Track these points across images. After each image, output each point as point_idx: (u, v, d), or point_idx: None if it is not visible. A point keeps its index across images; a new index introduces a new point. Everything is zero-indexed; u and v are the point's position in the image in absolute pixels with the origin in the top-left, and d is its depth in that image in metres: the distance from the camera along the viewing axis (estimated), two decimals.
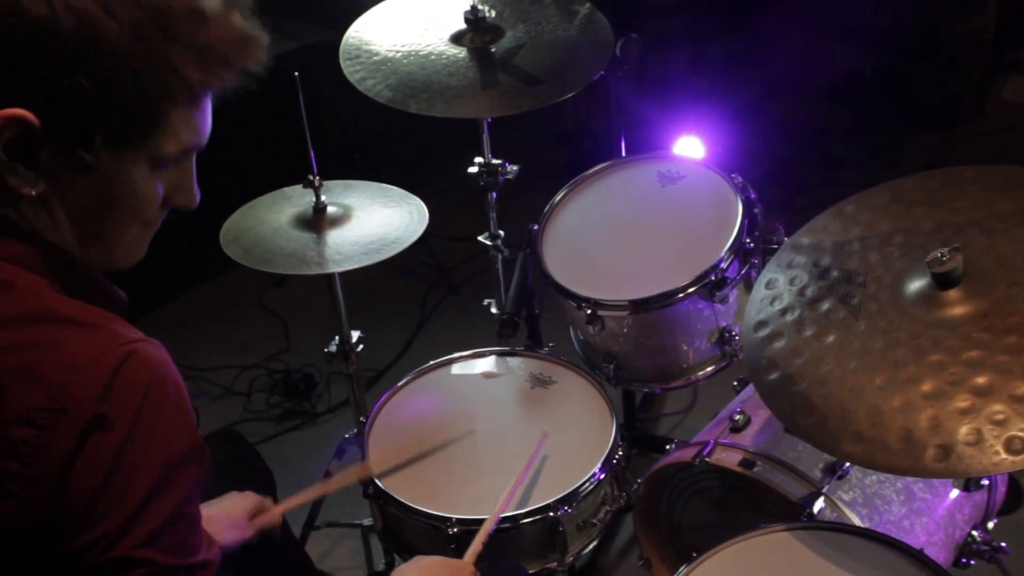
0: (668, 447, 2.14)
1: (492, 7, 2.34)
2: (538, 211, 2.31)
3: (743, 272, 2.12)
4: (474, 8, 2.29)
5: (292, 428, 3.12)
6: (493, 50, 2.29)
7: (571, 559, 1.93)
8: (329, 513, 2.52)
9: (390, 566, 2.26)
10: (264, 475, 1.94)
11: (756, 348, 1.67)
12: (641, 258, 2.19)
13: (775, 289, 1.73)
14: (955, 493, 1.91)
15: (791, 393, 1.56)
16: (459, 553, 1.81)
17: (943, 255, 1.49)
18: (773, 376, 1.61)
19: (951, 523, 1.90)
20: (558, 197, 2.33)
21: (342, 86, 2.27)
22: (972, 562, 1.94)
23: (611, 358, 2.20)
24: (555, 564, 1.91)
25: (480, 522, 1.75)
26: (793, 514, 1.77)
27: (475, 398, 2.13)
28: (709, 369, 2.22)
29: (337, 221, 2.16)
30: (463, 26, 2.31)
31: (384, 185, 2.30)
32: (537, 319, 2.49)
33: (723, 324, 2.16)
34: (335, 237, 2.12)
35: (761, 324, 1.69)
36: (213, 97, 1.13)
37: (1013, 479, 2.44)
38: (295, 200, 2.23)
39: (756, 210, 2.16)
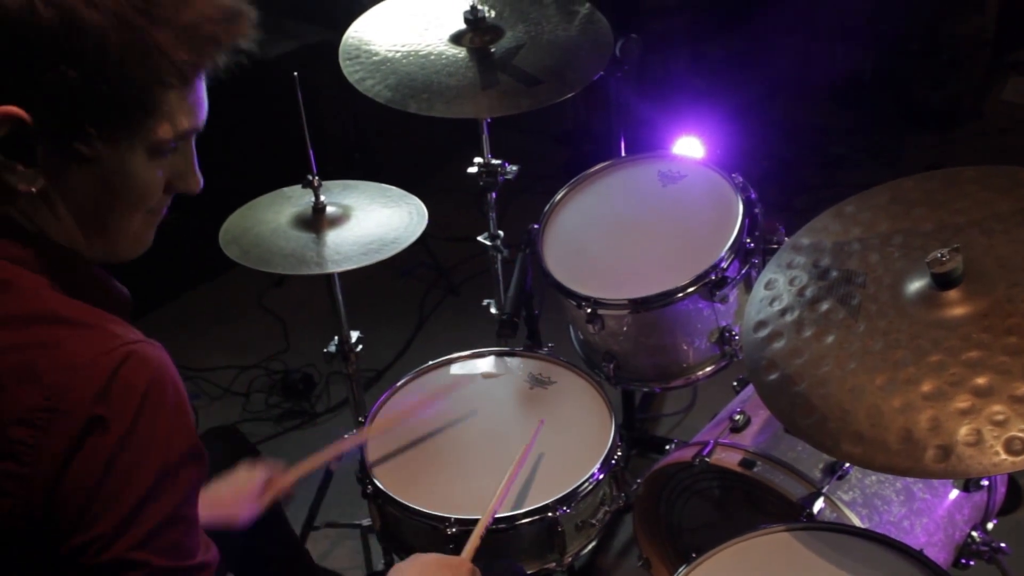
0: (668, 447, 2.14)
1: (492, 7, 2.34)
2: (538, 211, 2.31)
3: (743, 272, 2.12)
4: (474, 8, 2.29)
5: (291, 428, 3.12)
6: (493, 50, 2.29)
7: (570, 559, 1.93)
8: (328, 513, 2.52)
9: (389, 566, 2.25)
10: None
11: (756, 348, 1.67)
12: (641, 257, 2.19)
13: (775, 289, 1.73)
14: (955, 494, 1.91)
15: (791, 393, 1.56)
16: (457, 552, 1.81)
17: (943, 255, 1.49)
18: (773, 376, 1.60)
19: (951, 524, 1.90)
20: (558, 197, 2.33)
21: (342, 86, 2.27)
22: (972, 563, 1.94)
23: (611, 357, 2.20)
24: (554, 564, 1.91)
25: (478, 522, 1.75)
26: (793, 514, 1.77)
27: (474, 398, 2.12)
28: (709, 369, 2.22)
29: (336, 221, 2.16)
30: (463, 26, 2.31)
31: (383, 185, 2.30)
32: (536, 319, 2.49)
33: (723, 324, 2.16)
34: (334, 237, 2.12)
35: (761, 324, 1.69)
36: (207, 77, 1.11)
37: (1012, 480, 2.44)
38: (294, 200, 2.23)
39: (756, 210, 2.16)
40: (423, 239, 2.18)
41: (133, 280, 1.24)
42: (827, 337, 1.59)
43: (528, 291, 2.30)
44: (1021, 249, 1.54)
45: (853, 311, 1.60)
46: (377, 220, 2.17)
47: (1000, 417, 1.36)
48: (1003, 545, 1.92)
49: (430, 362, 2.23)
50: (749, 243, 2.11)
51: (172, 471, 1.05)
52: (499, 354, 2.23)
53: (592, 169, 2.38)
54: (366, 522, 2.42)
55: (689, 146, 3.02)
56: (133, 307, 1.21)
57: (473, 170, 2.47)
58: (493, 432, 2.03)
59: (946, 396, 1.41)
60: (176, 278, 3.73)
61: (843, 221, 1.77)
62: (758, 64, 4.40)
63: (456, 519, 1.82)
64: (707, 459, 1.89)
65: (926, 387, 1.44)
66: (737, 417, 1.95)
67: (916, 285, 1.56)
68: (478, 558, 1.64)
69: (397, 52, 2.29)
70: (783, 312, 1.68)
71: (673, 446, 2.12)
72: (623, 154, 2.56)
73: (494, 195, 2.50)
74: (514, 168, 2.48)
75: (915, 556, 1.57)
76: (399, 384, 2.18)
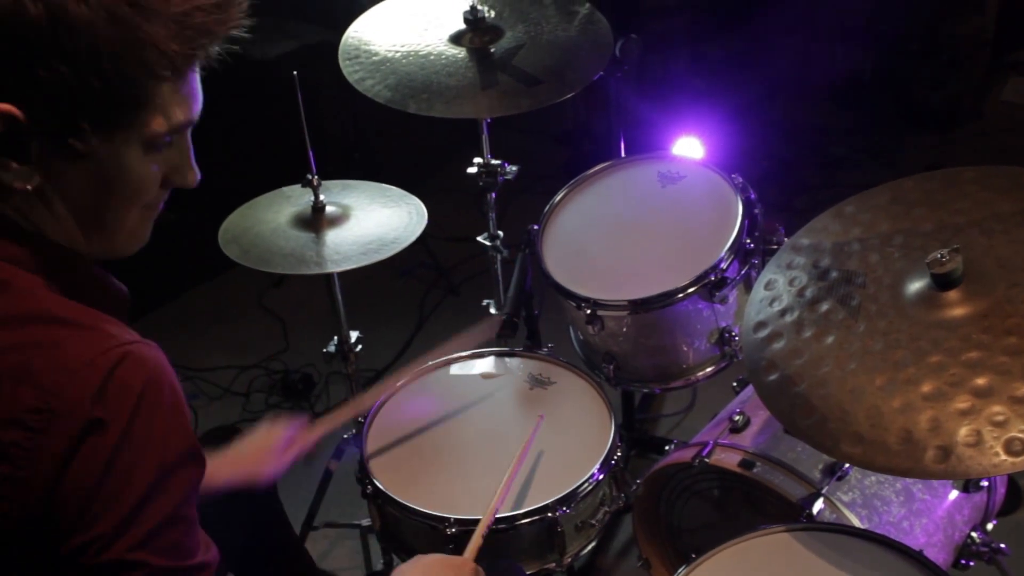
0: (667, 448, 2.14)
1: (491, 7, 2.34)
2: (538, 211, 2.31)
3: (743, 272, 2.12)
4: (473, 8, 2.29)
5: None
6: (492, 50, 2.29)
7: (570, 560, 1.92)
8: (327, 513, 2.52)
9: (388, 566, 2.26)
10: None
11: (756, 349, 1.67)
12: (641, 258, 2.19)
13: (775, 290, 1.73)
14: (954, 494, 1.91)
15: (790, 394, 1.56)
16: (458, 552, 1.81)
17: (943, 256, 1.49)
18: (772, 377, 1.60)
19: (950, 524, 1.89)
20: (558, 197, 2.33)
21: (341, 86, 2.27)
22: (971, 563, 1.94)
23: (611, 358, 2.20)
24: (553, 565, 1.91)
25: (477, 522, 1.75)
26: (792, 515, 1.77)
27: (474, 399, 2.12)
28: (709, 370, 2.22)
29: (336, 221, 2.16)
30: (462, 26, 2.31)
31: (383, 185, 2.30)
32: (536, 320, 2.49)
33: (723, 324, 2.16)
34: (334, 237, 2.12)
35: (761, 325, 1.69)
36: (201, 69, 1.10)
37: (1012, 480, 2.44)
38: (294, 200, 2.23)
39: (756, 210, 2.16)
40: (423, 239, 2.18)
41: (133, 279, 1.24)
42: (827, 338, 1.59)
43: (528, 291, 2.30)
44: (1021, 250, 1.54)
45: (853, 312, 1.60)
46: (377, 220, 2.17)
47: (1000, 418, 1.36)
48: (1003, 546, 1.91)
49: (430, 362, 2.23)
50: (749, 244, 2.11)
51: (170, 471, 1.04)
52: (499, 354, 2.23)
53: (592, 170, 2.38)
54: (365, 522, 2.42)
55: (689, 146, 3.02)
56: (132, 305, 1.21)
57: (473, 170, 2.47)
58: (493, 432, 2.03)
59: (946, 397, 1.41)
60: (176, 278, 3.73)
61: (843, 221, 1.77)
62: (758, 64, 4.40)
63: (456, 519, 1.82)
64: (707, 460, 1.88)
65: (926, 388, 1.43)
66: (737, 418, 1.95)
67: (916, 286, 1.56)
68: (479, 558, 1.64)
69: (397, 52, 2.29)
70: (783, 313, 1.68)
71: (673, 447, 2.12)
72: (623, 154, 2.56)
73: (494, 195, 2.50)
74: (514, 168, 2.47)
75: (915, 557, 1.57)
76: (399, 384, 2.17)
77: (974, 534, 1.92)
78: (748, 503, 1.94)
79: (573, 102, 4.14)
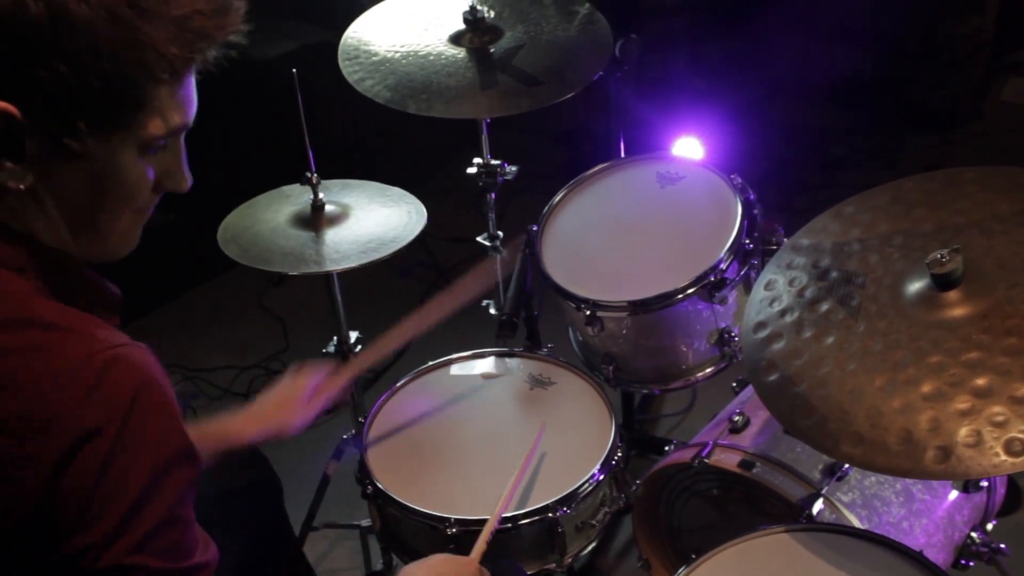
0: (667, 448, 2.14)
1: (491, 7, 2.34)
2: (537, 212, 2.31)
3: (742, 273, 2.11)
4: (473, 8, 2.29)
5: None
6: (492, 50, 2.29)
7: (570, 560, 1.92)
8: (327, 514, 2.51)
9: (388, 567, 2.26)
10: (272, 482, 1.94)
11: (755, 349, 1.66)
12: (640, 259, 2.18)
13: (774, 290, 1.73)
14: (954, 494, 1.91)
15: (790, 394, 1.56)
16: (458, 553, 1.81)
17: (943, 256, 1.49)
18: (772, 377, 1.60)
19: (950, 524, 1.89)
20: (557, 198, 2.33)
21: (341, 86, 2.26)
22: (971, 563, 1.94)
23: (610, 359, 2.20)
24: (554, 565, 1.91)
25: (478, 522, 1.75)
26: (792, 515, 1.77)
27: (474, 399, 2.12)
28: (708, 370, 2.22)
29: (335, 220, 2.16)
30: (462, 26, 2.31)
31: (382, 185, 2.30)
32: (536, 320, 2.48)
33: (722, 325, 2.16)
34: (333, 236, 2.12)
35: (760, 325, 1.69)
36: (196, 72, 1.10)
37: (1012, 480, 2.43)
38: (293, 199, 2.23)
39: (755, 211, 2.16)
40: (422, 239, 2.18)
41: (133, 280, 1.24)
42: (827, 338, 1.59)
43: (527, 291, 2.29)
44: (1021, 250, 1.54)
45: (853, 312, 1.60)
46: (376, 219, 2.17)
47: (1000, 418, 1.36)
48: (1003, 546, 1.91)
49: (430, 363, 2.22)
50: (748, 244, 2.11)
51: (164, 473, 1.04)
52: (499, 355, 2.23)
53: (591, 170, 2.37)
54: (365, 522, 2.42)
55: (688, 147, 3.01)
56: (130, 306, 1.20)
57: (472, 170, 2.47)
58: (493, 433, 2.03)
59: (946, 397, 1.41)
60: (175, 277, 3.73)
61: (843, 222, 1.77)
62: (758, 65, 4.40)
63: (456, 519, 1.82)
64: (706, 460, 1.88)
65: (926, 388, 1.43)
66: (736, 418, 1.95)
67: (916, 286, 1.56)
68: (482, 560, 1.64)
69: (396, 52, 2.29)
70: (783, 313, 1.68)
71: (672, 447, 2.12)
72: (622, 155, 2.56)
73: (493, 195, 2.50)
74: (513, 168, 2.47)
75: (914, 557, 1.57)
76: (398, 385, 2.17)
77: (974, 534, 1.92)
78: (748, 503, 1.94)
79: (573, 102, 4.12)
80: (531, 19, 2.35)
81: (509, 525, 1.82)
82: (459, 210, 3.13)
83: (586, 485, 1.88)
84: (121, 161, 1.08)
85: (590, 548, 1.97)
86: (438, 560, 1.55)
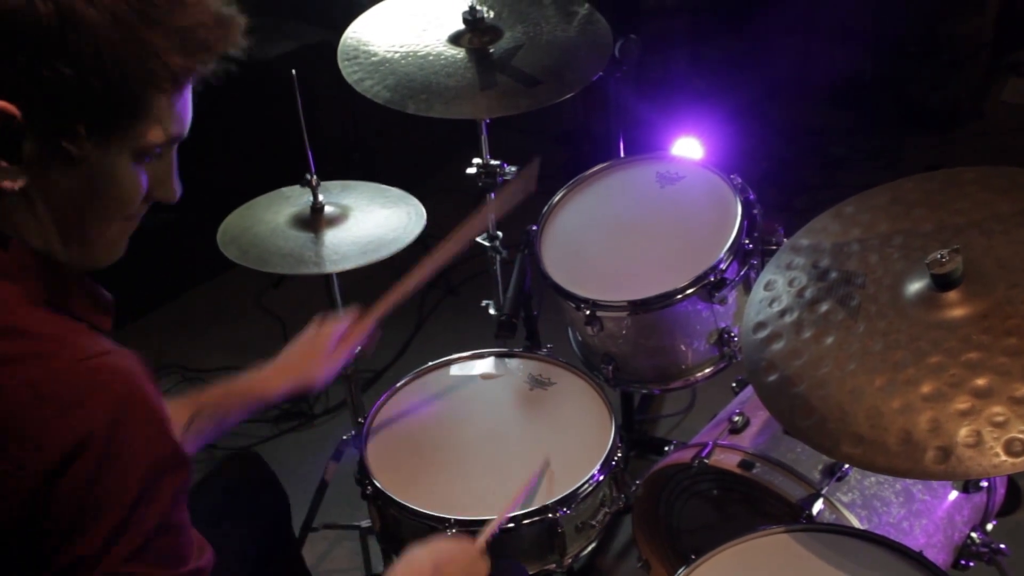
0: (667, 448, 2.14)
1: (490, 8, 2.34)
2: (536, 212, 2.31)
3: (742, 273, 2.11)
4: (472, 9, 2.29)
5: (289, 430, 3.11)
6: (492, 51, 2.29)
7: (570, 561, 1.92)
8: (327, 515, 2.51)
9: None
10: (280, 497, 1.93)
11: (755, 349, 1.66)
12: (640, 259, 2.18)
13: (774, 290, 1.73)
14: (954, 495, 1.91)
15: (790, 395, 1.56)
16: None
17: (943, 256, 1.49)
18: (772, 377, 1.60)
19: (950, 525, 1.89)
20: (557, 198, 2.33)
21: (340, 86, 2.26)
22: (971, 564, 1.94)
23: (610, 359, 2.20)
24: (554, 566, 1.91)
25: (478, 523, 1.75)
26: (792, 516, 1.77)
27: (473, 399, 2.12)
28: (708, 370, 2.21)
29: (335, 221, 2.16)
30: (461, 27, 2.31)
31: (382, 185, 2.30)
32: (535, 320, 2.48)
33: (722, 325, 2.15)
34: (333, 237, 2.12)
35: (760, 325, 1.69)
36: (194, 84, 1.10)
37: (1012, 480, 2.43)
38: (293, 200, 2.23)
39: (755, 211, 2.16)
40: (422, 239, 2.18)
41: (132, 280, 1.24)
42: (826, 338, 1.59)
43: (527, 292, 2.29)
44: (1021, 250, 1.54)
45: (852, 312, 1.60)
46: (376, 220, 2.17)
47: (1000, 418, 1.36)
48: (1002, 546, 1.91)
49: (429, 363, 2.22)
50: (748, 244, 2.11)
51: (154, 483, 1.03)
52: (498, 355, 2.23)
53: (591, 170, 2.37)
54: (365, 523, 2.41)
55: (688, 147, 3.02)
56: (126, 307, 1.20)
57: (472, 171, 2.47)
58: (493, 433, 2.03)
59: (946, 397, 1.41)
60: (175, 278, 3.73)
61: (843, 222, 1.76)
62: (758, 65, 4.39)
63: (456, 520, 1.81)
64: (706, 460, 1.88)
65: (926, 388, 1.43)
66: (736, 418, 1.95)
67: (916, 286, 1.55)
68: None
69: (396, 52, 2.29)
70: (782, 313, 1.68)
71: (672, 447, 2.12)
72: (622, 155, 2.56)
73: (493, 195, 2.50)
74: (513, 169, 2.47)
75: (914, 557, 1.57)
76: (398, 385, 2.17)
77: (974, 535, 1.92)
78: (748, 504, 1.93)
79: (572, 102, 4.13)
80: (530, 19, 2.35)
81: (509, 525, 1.82)
82: (459, 210, 3.12)
83: (586, 486, 1.88)
84: (116, 167, 1.07)
85: (590, 549, 1.97)
86: (441, 542, 1.55)
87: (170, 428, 1.07)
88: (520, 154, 2.59)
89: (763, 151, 4.02)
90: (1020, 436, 1.34)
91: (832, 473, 1.82)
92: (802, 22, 4.38)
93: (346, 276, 2.11)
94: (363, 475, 1.97)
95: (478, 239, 2.59)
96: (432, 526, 1.83)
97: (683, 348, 2.18)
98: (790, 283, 1.72)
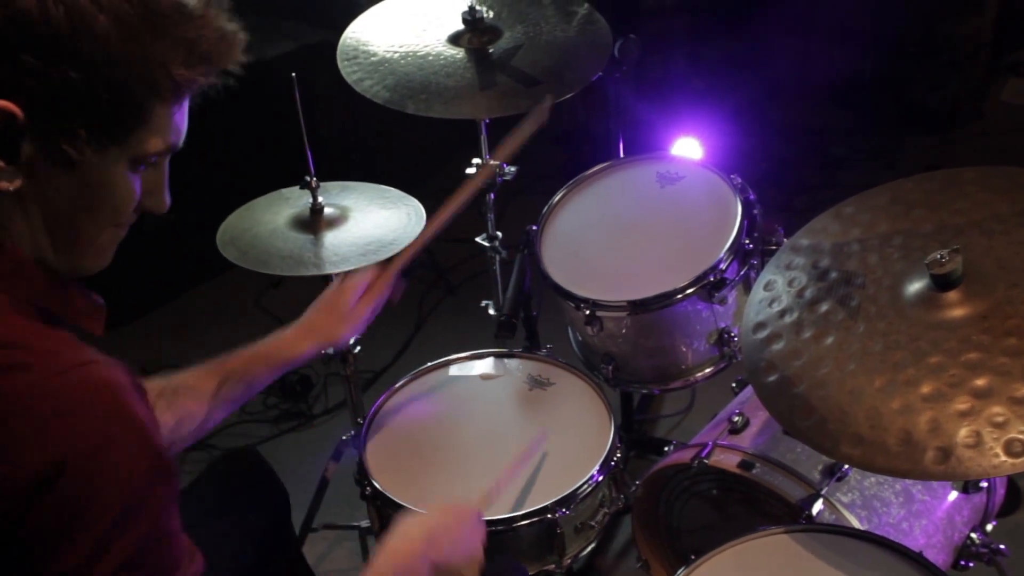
0: (666, 448, 2.14)
1: (490, 8, 2.34)
2: (536, 212, 2.31)
3: (742, 273, 2.11)
4: (472, 9, 2.29)
5: (289, 430, 3.11)
6: (491, 51, 2.29)
7: (569, 561, 1.92)
8: (327, 515, 2.51)
9: None
10: (279, 493, 1.93)
11: (755, 350, 1.66)
12: (640, 259, 2.18)
13: (774, 291, 1.73)
14: (954, 495, 1.91)
15: (790, 395, 1.56)
16: None
17: (942, 257, 1.49)
18: (772, 378, 1.60)
19: (950, 525, 1.89)
20: (556, 198, 2.33)
21: (340, 87, 2.26)
22: (971, 564, 1.94)
23: (610, 359, 2.20)
24: (553, 566, 1.90)
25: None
26: (792, 516, 1.77)
27: (473, 400, 2.12)
28: (708, 370, 2.21)
29: (334, 222, 2.16)
30: (461, 27, 2.31)
31: (381, 186, 2.29)
32: (535, 320, 2.48)
33: (722, 325, 2.15)
34: (332, 238, 2.12)
35: (760, 326, 1.69)
36: (193, 97, 1.12)
37: (1011, 481, 2.43)
38: (292, 201, 2.22)
39: (755, 211, 2.16)
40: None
41: (132, 281, 1.24)
42: (826, 338, 1.59)
43: (526, 292, 2.29)
44: (1021, 250, 1.54)
45: (852, 312, 1.60)
46: (375, 221, 2.17)
47: (1000, 419, 1.36)
48: (1002, 547, 1.91)
49: (428, 363, 2.22)
50: (748, 244, 2.11)
51: (140, 494, 1.03)
52: (498, 355, 2.23)
53: (590, 170, 2.37)
54: (364, 523, 2.41)
55: (688, 147, 3.02)
56: (126, 308, 1.20)
57: (471, 171, 2.46)
58: (492, 434, 2.02)
59: (945, 398, 1.41)
60: (174, 279, 3.73)
61: (842, 222, 1.76)
62: (757, 65, 4.39)
63: None
64: (706, 460, 1.88)
65: (925, 389, 1.43)
66: (736, 419, 1.95)
67: (915, 286, 1.55)
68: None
69: (395, 53, 2.29)
70: (782, 313, 1.68)
71: (672, 447, 2.12)
72: (622, 155, 2.56)
73: (492, 196, 2.50)
74: (512, 169, 2.47)
75: (914, 558, 1.57)
76: (397, 386, 2.17)
77: (973, 535, 1.92)
78: (747, 504, 1.93)
79: (572, 103, 4.14)
80: (530, 19, 2.35)
81: (507, 526, 1.82)
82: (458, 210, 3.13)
83: (585, 486, 1.88)
84: (112, 174, 1.08)
85: (589, 549, 1.97)
86: (435, 512, 1.53)
87: (156, 438, 1.06)
88: (519, 154, 2.59)
89: (763, 151, 4.02)
90: (1020, 436, 1.34)
91: (832, 473, 1.82)
92: (801, 22, 4.38)
93: None
94: (362, 475, 1.97)
95: (477, 239, 2.59)
96: None
97: (683, 348, 2.18)
98: (790, 283, 1.72)
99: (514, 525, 1.82)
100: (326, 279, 2.22)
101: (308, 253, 2.08)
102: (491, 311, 2.64)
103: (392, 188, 2.29)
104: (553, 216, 2.30)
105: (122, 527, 1.01)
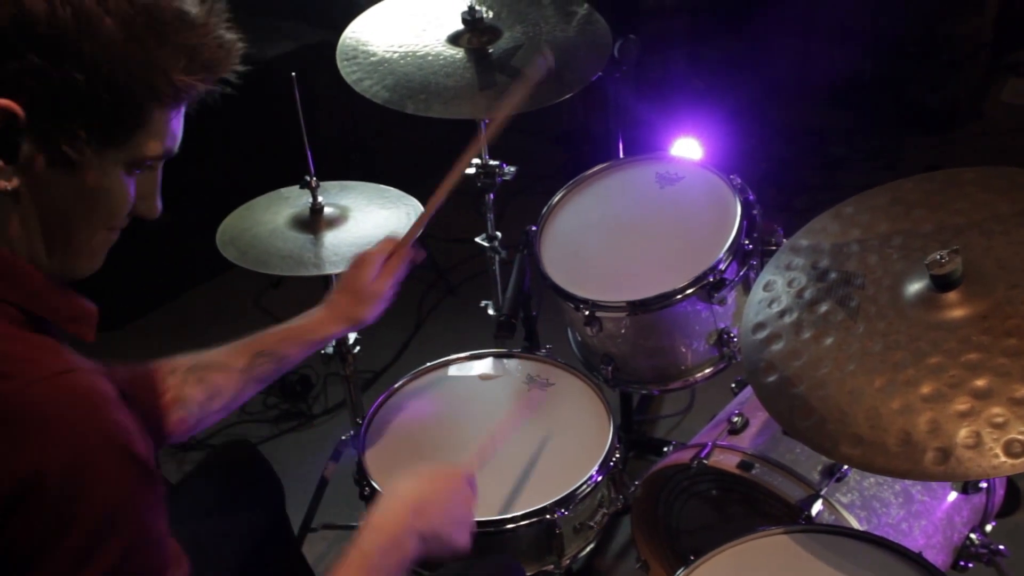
0: (666, 449, 2.14)
1: (489, 8, 2.34)
2: (536, 212, 2.31)
3: (741, 274, 2.11)
4: (471, 9, 2.28)
5: (288, 430, 3.11)
6: (491, 51, 2.28)
7: (568, 562, 1.92)
8: (326, 515, 2.51)
9: None
10: (275, 488, 1.93)
11: (754, 350, 1.66)
12: (639, 259, 2.18)
13: (773, 291, 1.73)
14: (953, 496, 1.90)
15: (789, 395, 1.55)
16: (458, 556, 1.80)
17: (942, 257, 1.48)
18: (771, 378, 1.60)
19: (949, 526, 1.89)
20: (556, 198, 2.33)
21: (339, 87, 2.26)
22: (970, 565, 1.94)
23: (609, 359, 2.20)
24: (552, 567, 1.90)
25: (478, 523, 1.74)
26: (791, 516, 1.77)
27: (472, 400, 2.12)
28: (707, 371, 2.21)
29: (334, 222, 2.16)
30: (460, 27, 2.31)
31: (381, 186, 2.29)
32: (534, 321, 2.48)
33: (721, 326, 2.15)
34: (332, 238, 2.12)
35: (759, 326, 1.69)
36: (190, 103, 1.13)
37: (1011, 482, 2.43)
38: (292, 201, 2.23)
39: (755, 211, 2.16)
40: (421, 240, 2.17)
41: (132, 281, 1.24)
42: (826, 339, 1.58)
43: (526, 292, 2.29)
44: (1020, 251, 1.54)
45: (852, 313, 1.59)
46: (375, 221, 2.17)
47: (999, 419, 1.36)
48: (1002, 547, 1.91)
49: (428, 363, 2.22)
50: (747, 245, 2.11)
51: (122, 503, 1.02)
52: (497, 356, 2.22)
53: (590, 171, 2.37)
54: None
55: (687, 147, 3.01)
56: (125, 308, 1.20)
57: (471, 171, 2.47)
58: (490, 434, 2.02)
59: (945, 398, 1.41)
60: (174, 279, 3.73)
61: (842, 222, 1.76)
62: (757, 65, 4.39)
63: None
64: (705, 461, 1.88)
65: (925, 389, 1.43)
66: (735, 419, 1.95)
67: (915, 287, 1.55)
68: (477, 556, 1.62)
69: (395, 53, 2.29)
70: (782, 314, 1.68)
71: (671, 448, 2.12)
72: (621, 155, 2.56)
73: (492, 196, 2.50)
74: (512, 169, 2.47)
75: (914, 559, 1.57)
76: (396, 385, 2.17)
77: (973, 536, 1.92)
78: (747, 505, 1.93)
79: (571, 103, 4.14)
80: (529, 19, 2.35)
81: (505, 527, 1.82)
82: (458, 211, 3.12)
83: (584, 486, 1.88)
84: (109, 177, 1.09)
85: (588, 550, 1.97)
86: (422, 476, 1.50)
87: (136, 446, 1.05)
88: (519, 154, 2.60)
89: (762, 151, 4.02)
90: (1019, 437, 1.34)
91: (831, 474, 1.82)
92: (801, 22, 4.38)
93: None
94: (361, 475, 1.97)
95: (477, 239, 2.59)
96: None
97: (682, 349, 2.18)
98: (789, 284, 1.71)
99: (513, 525, 1.82)
100: (326, 279, 2.22)
101: (308, 253, 2.08)
102: (490, 311, 2.64)
103: (392, 188, 2.29)
104: (553, 216, 2.30)
105: (104, 537, 1.00)
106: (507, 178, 2.47)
